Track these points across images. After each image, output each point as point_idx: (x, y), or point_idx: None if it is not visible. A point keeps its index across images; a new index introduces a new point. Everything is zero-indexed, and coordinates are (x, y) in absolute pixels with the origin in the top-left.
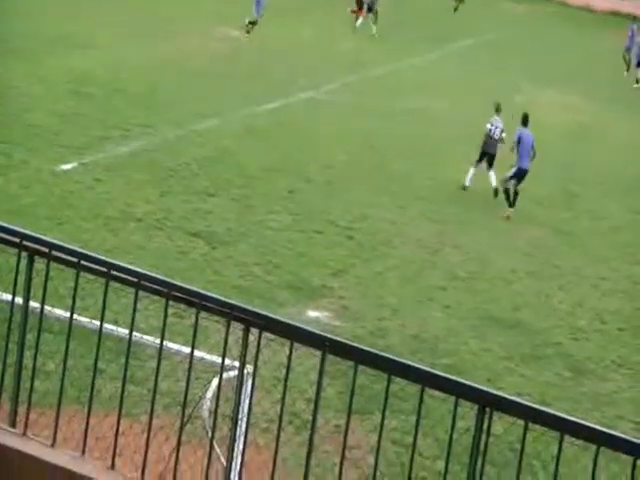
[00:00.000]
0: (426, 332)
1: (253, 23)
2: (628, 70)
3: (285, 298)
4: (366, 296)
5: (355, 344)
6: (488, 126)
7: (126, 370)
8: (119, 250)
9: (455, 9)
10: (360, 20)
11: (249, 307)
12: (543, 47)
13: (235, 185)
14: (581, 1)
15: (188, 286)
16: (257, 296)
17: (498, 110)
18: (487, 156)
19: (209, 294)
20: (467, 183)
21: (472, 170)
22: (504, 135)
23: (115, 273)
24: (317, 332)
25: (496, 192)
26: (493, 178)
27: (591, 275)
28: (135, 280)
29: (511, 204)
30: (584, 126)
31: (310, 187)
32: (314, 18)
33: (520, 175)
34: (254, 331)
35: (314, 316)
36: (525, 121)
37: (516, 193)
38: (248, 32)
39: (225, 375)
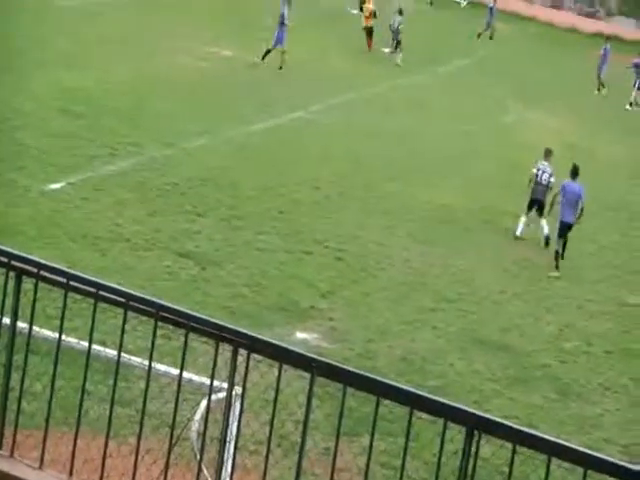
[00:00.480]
0: (414, 354)
1: (269, 52)
2: (599, 90)
3: (274, 319)
4: (354, 317)
5: (344, 366)
6: (534, 171)
7: (114, 391)
8: (108, 270)
9: (479, 35)
10: (388, 50)
11: (238, 328)
12: (531, 67)
13: (224, 205)
14: (567, 22)
15: (177, 307)
16: (246, 317)
17: (547, 155)
18: (536, 203)
19: (198, 315)
20: (518, 233)
21: (523, 219)
22: (553, 180)
23: (104, 294)
24: (306, 354)
25: (547, 241)
26: (545, 227)
27: (579, 297)
28: (124, 301)
29: (557, 266)
30: (572, 147)
31: (299, 208)
32: (306, 37)
33: (561, 229)
34: (243, 352)
35: (302, 337)
36: (574, 173)
37: (564, 245)
38: (263, 59)
39: (213, 397)
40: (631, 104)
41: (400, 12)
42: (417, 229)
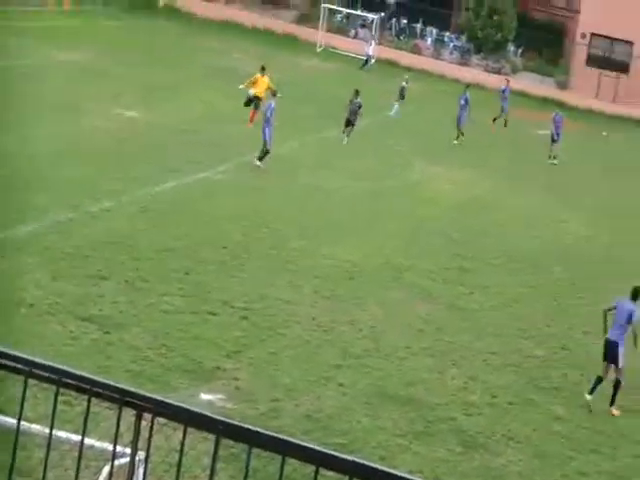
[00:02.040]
0: (320, 411)
1: None
2: (458, 139)
3: (178, 381)
4: (260, 377)
5: (248, 426)
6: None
7: (14, 461)
8: (9, 336)
9: (494, 120)
10: (345, 136)
11: (141, 392)
12: (439, 124)
13: (128, 267)
14: (474, 79)
15: (79, 372)
16: (150, 380)
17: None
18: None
19: (100, 380)
20: None
21: None
22: None
23: (3, 361)
24: (210, 415)
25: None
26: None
27: (483, 350)
28: (25, 368)
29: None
30: (477, 201)
31: (205, 268)
32: (207, 96)
33: (605, 347)
34: (147, 416)
35: (207, 399)
36: (635, 295)
37: (599, 379)
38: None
39: (116, 462)
40: (550, 157)
41: (357, 93)
42: (323, 286)
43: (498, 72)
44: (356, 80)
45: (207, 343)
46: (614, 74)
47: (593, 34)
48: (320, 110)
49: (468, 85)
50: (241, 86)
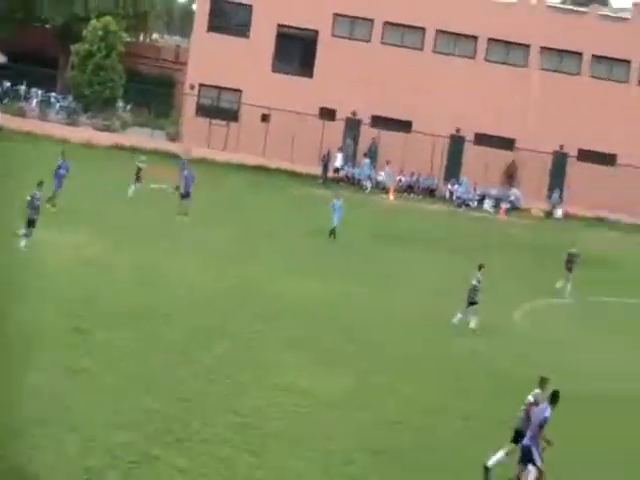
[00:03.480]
0: None
1: None
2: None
3: None
4: None
5: None
6: (530, 398)
7: None
8: None
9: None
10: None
11: None
12: (46, 189)
13: None
14: (83, 137)
15: None
16: None
17: (543, 384)
18: (518, 435)
19: None
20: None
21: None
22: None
23: None
24: None
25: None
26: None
27: (101, 410)
28: None
29: None
30: (91, 261)
31: None
32: None
33: (520, 452)
34: None
35: None
36: (553, 399)
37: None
38: None
39: None
40: (180, 213)
41: (40, 185)
42: None
43: (108, 129)
44: None
45: None
46: (224, 122)
47: (202, 84)
48: None
49: (63, 151)
50: None
